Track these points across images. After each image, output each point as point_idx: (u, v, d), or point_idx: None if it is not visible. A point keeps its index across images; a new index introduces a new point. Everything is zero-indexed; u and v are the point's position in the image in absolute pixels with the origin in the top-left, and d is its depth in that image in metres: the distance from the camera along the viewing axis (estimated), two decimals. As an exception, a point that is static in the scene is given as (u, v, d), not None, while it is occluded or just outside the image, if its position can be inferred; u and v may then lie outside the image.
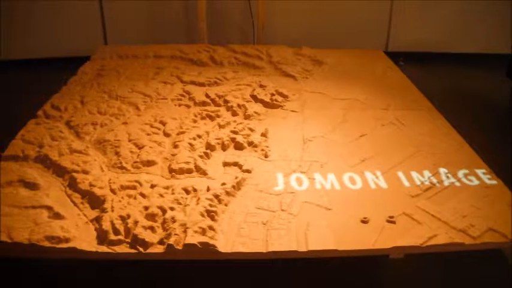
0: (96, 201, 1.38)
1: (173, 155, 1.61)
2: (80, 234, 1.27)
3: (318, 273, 1.59)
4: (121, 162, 1.56)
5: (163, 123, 1.81)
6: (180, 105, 1.98)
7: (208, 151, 1.64)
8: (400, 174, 1.55)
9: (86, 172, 1.51)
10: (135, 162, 1.57)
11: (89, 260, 1.33)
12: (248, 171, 1.54)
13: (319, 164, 1.60)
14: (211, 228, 1.27)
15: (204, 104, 1.99)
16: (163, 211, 1.33)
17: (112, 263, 1.49)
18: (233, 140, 1.71)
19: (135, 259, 1.24)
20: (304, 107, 2.01)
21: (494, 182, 1.51)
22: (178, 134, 1.74)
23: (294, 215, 1.34)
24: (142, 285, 1.55)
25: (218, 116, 1.89)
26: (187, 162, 1.55)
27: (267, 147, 1.69)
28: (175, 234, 1.23)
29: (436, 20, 3.66)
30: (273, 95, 2.06)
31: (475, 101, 3.11)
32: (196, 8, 3.31)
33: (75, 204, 1.39)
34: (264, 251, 1.22)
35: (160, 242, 1.24)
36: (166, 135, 1.74)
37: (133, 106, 1.95)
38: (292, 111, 1.97)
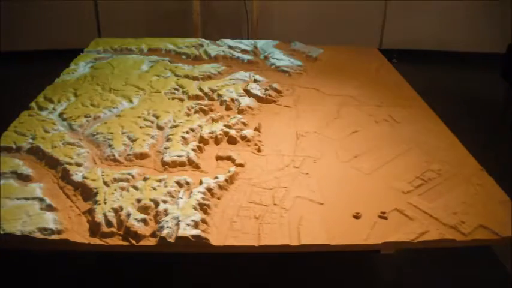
0: (88, 194, 1.38)
1: (166, 148, 1.60)
2: (72, 226, 1.26)
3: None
4: (114, 155, 1.56)
5: (157, 117, 1.81)
6: (173, 98, 1.97)
7: (201, 145, 1.64)
8: (393, 170, 1.56)
9: (78, 164, 1.51)
10: (128, 155, 1.57)
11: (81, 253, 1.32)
12: (241, 165, 1.54)
13: (312, 159, 1.60)
14: (203, 221, 1.27)
15: (197, 98, 1.99)
16: (156, 204, 1.33)
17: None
18: (226, 134, 1.71)
19: (127, 251, 1.24)
20: (298, 102, 2.01)
21: (485, 179, 1.52)
22: (171, 128, 1.73)
23: (287, 210, 1.35)
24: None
25: (211, 110, 1.89)
26: (180, 156, 1.55)
27: (260, 141, 1.69)
28: (168, 227, 1.24)
29: (429, 18, 3.68)
30: (266, 90, 2.06)
31: (468, 99, 3.14)
32: (190, 2, 3.30)
33: (67, 196, 1.39)
34: (256, 245, 1.23)
35: (153, 235, 1.24)
36: (160, 128, 1.74)
37: (126, 99, 1.94)
38: (286, 106, 1.98)
